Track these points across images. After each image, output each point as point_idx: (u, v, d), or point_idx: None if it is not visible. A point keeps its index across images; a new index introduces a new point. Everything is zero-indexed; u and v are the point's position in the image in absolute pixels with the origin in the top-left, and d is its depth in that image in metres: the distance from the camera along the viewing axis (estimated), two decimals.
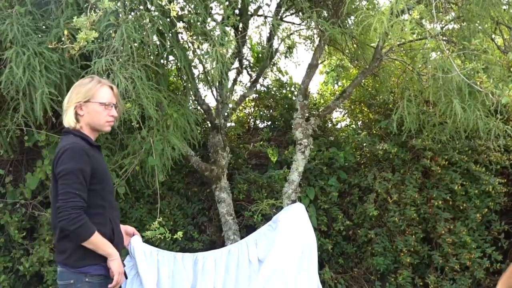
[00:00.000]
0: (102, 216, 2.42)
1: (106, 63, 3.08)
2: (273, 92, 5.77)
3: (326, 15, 4.53)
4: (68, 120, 2.43)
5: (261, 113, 5.81)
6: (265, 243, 3.15)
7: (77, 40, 2.77)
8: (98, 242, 2.34)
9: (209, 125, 4.80)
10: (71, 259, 2.36)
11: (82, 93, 2.43)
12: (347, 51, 5.26)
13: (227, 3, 3.67)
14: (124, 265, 2.55)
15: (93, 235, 2.31)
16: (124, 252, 2.77)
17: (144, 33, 3.28)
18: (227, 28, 3.74)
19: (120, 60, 3.15)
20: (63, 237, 2.35)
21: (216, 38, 3.37)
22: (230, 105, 4.98)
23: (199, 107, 4.63)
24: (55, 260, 2.45)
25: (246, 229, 4.84)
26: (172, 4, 2.93)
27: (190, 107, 4.40)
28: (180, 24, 3.64)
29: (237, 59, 4.96)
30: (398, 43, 4.24)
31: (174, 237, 3.87)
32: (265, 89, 5.76)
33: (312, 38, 5.21)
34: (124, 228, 2.72)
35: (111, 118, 2.48)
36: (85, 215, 2.29)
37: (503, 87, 3.04)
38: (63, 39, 2.84)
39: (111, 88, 2.50)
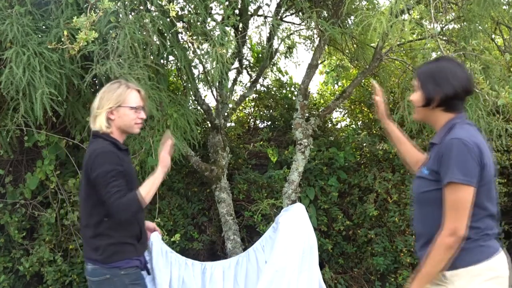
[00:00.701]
0: (128, 220, 2.50)
1: (116, 66, 3.08)
2: (273, 92, 5.77)
3: (326, 15, 4.53)
4: (100, 125, 2.49)
5: (261, 113, 5.81)
6: (270, 246, 3.16)
7: (77, 40, 2.77)
8: (152, 190, 2.45)
9: (209, 125, 4.80)
10: (104, 256, 2.43)
11: (113, 99, 2.50)
12: (347, 51, 5.26)
13: (227, 3, 3.66)
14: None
15: (141, 199, 2.40)
16: None
17: (145, 34, 3.27)
18: (227, 28, 3.73)
19: (126, 61, 3.15)
20: (96, 235, 2.43)
21: (216, 38, 3.37)
22: (230, 105, 4.98)
23: (199, 107, 4.62)
24: (86, 258, 2.51)
25: (246, 229, 4.85)
26: (171, 4, 2.92)
27: (190, 107, 4.40)
28: (180, 24, 3.64)
29: (237, 59, 4.96)
30: (398, 43, 4.24)
31: (172, 239, 3.89)
32: (265, 89, 5.77)
33: (312, 38, 5.21)
34: (146, 224, 2.77)
35: (140, 120, 2.56)
36: (126, 195, 2.37)
37: (500, 88, 3.04)
38: (63, 39, 2.84)
39: (139, 91, 2.58)
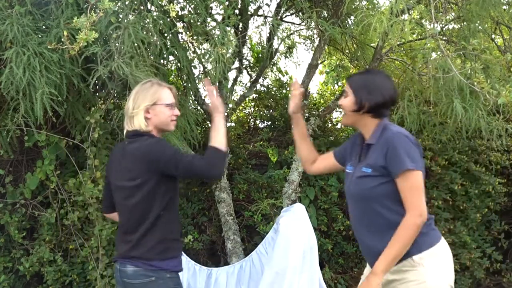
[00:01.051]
0: (176, 214, 2.53)
1: (125, 65, 3.09)
2: (273, 92, 5.77)
3: (326, 15, 4.54)
4: (139, 124, 2.50)
5: (261, 113, 5.81)
6: (272, 247, 3.16)
7: (77, 40, 2.77)
8: (221, 141, 2.44)
9: (209, 125, 4.80)
10: (154, 252, 2.41)
11: (148, 97, 2.52)
12: (347, 51, 5.26)
13: (227, 3, 3.66)
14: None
15: (220, 148, 2.41)
16: None
17: (146, 34, 3.27)
18: (227, 28, 3.73)
19: (132, 61, 3.15)
20: (147, 231, 2.42)
21: (216, 38, 3.37)
22: (230, 105, 4.98)
23: (199, 107, 4.62)
24: (125, 258, 2.46)
25: (246, 229, 4.85)
26: (171, 4, 2.92)
27: (190, 107, 4.40)
28: (180, 24, 3.64)
29: (237, 59, 4.96)
30: (398, 43, 4.24)
31: (186, 241, 3.86)
32: (265, 89, 5.77)
33: (312, 38, 5.21)
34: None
35: (175, 117, 2.58)
36: (202, 157, 2.38)
37: (500, 87, 3.05)
38: (63, 39, 2.84)
39: (170, 89, 2.61)
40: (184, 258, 2.92)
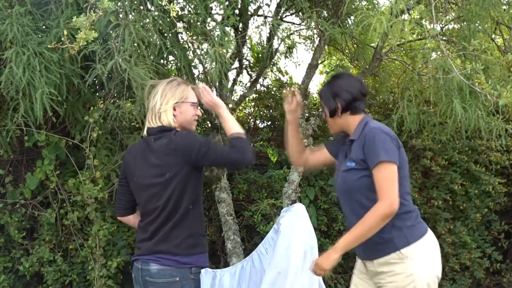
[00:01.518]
0: (202, 209, 2.56)
1: (123, 62, 3.08)
2: (273, 92, 5.77)
3: (326, 15, 4.53)
4: (169, 120, 2.52)
5: (261, 113, 5.81)
6: (272, 248, 3.16)
7: (77, 40, 2.77)
8: (237, 129, 2.49)
9: (209, 125, 4.80)
10: (182, 247, 2.42)
11: (177, 95, 2.55)
12: (347, 51, 5.26)
13: (227, 3, 3.66)
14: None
15: (241, 135, 2.46)
16: None
17: (146, 33, 3.27)
18: (227, 28, 3.73)
19: (132, 59, 3.15)
20: (177, 225, 2.42)
21: (216, 38, 3.37)
22: (230, 105, 4.97)
23: (199, 107, 4.61)
24: (155, 251, 2.43)
25: (246, 229, 4.85)
26: (172, 4, 2.92)
27: None
28: (180, 24, 3.64)
29: (237, 59, 4.95)
30: (398, 43, 4.24)
31: None
32: (265, 89, 5.76)
33: (312, 38, 5.21)
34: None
35: (197, 116, 2.63)
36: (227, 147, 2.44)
37: (501, 88, 3.05)
38: (62, 39, 2.83)
39: (194, 89, 2.65)
40: None
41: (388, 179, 2.32)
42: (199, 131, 4.16)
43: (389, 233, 2.38)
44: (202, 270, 3.03)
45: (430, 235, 2.47)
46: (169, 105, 2.52)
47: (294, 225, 3.11)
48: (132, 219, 2.68)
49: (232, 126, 2.50)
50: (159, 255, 2.42)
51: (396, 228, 2.38)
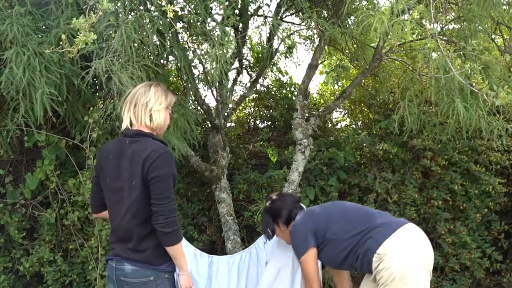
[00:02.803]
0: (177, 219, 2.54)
1: (106, 64, 3.07)
2: (273, 92, 5.77)
3: (326, 15, 4.53)
4: (159, 121, 2.52)
5: (261, 113, 5.81)
6: (271, 244, 3.17)
7: (76, 43, 2.76)
8: (180, 251, 2.45)
9: (209, 125, 4.80)
10: (152, 257, 2.42)
11: (168, 99, 2.57)
12: (347, 51, 5.26)
13: (227, 3, 3.66)
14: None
15: (180, 243, 2.43)
16: None
17: (144, 34, 3.27)
18: (227, 28, 3.73)
19: (120, 60, 3.14)
20: (144, 236, 2.42)
21: (216, 38, 3.37)
22: (230, 105, 4.97)
23: (199, 107, 4.62)
24: (126, 258, 2.46)
25: (246, 229, 4.84)
26: (169, 5, 2.92)
27: (190, 107, 4.39)
28: (179, 24, 3.63)
29: (237, 59, 4.95)
30: (398, 43, 4.23)
31: None
32: (265, 89, 5.76)
33: (312, 38, 5.21)
34: None
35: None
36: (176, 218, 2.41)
37: (498, 88, 3.05)
38: (61, 43, 2.83)
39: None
40: (183, 241, 2.90)
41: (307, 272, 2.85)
42: (199, 131, 4.15)
43: (363, 244, 2.75)
44: (197, 253, 3.03)
45: (402, 230, 2.75)
46: (162, 106, 2.51)
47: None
48: (107, 214, 2.66)
49: (181, 254, 2.47)
50: (131, 261, 2.44)
51: (367, 239, 2.75)
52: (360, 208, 3.00)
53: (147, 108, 2.49)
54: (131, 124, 2.51)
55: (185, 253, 2.66)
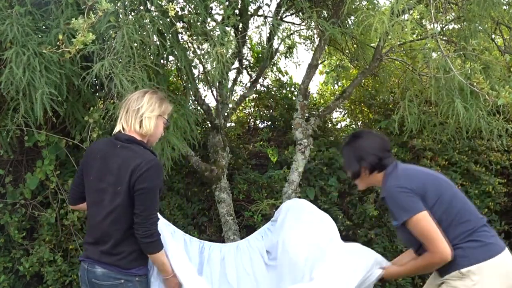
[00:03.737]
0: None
1: (108, 65, 3.07)
2: (273, 92, 5.77)
3: (326, 15, 4.53)
4: (149, 128, 2.49)
5: (261, 113, 5.81)
6: (270, 238, 3.12)
7: (74, 43, 2.76)
8: (161, 259, 2.45)
9: (209, 125, 4.80)
10: (124, 261, 2.42)
11: (162, 107, 2.54)
12: (347, 51, 5.26)
13: (227, 3, 3.66)
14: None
15: (161, 251, 2.44)
16: None
17: (145, 34, 3.26)
18: (227, 28, 3.73)
19: (121, 61, 3.14)
20: (121, 241, 2.42)
21: (216, 38, 3.36)
22: (230, 105, 4.97)
23: (199, 107, 4.62)
24: (95, 261, 2.47)
25: (246, 229, 4.84)
26: (170, 4, 2.91)
27: (190, 107, 4.39)
28: (180, 24, 3.63)
29: (237, 59, 4.95)
30: (399, 43, 4.24)
31: None
32: (265, 89, 5.76)
33: (312, 38, 5.21)
34: None
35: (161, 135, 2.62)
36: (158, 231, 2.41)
37: (500, 88, 3.05)
38: (58, 43, 2.83)
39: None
40: (172, 227, 2.87)
41: (422, 233, 2.37)
42: (199, 131, 4.15)
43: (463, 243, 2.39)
44: (186, 237, 2.98)
45: (499, 259, 2.38)
46: (154, 114, 2.49)
47: (295, 210, 3.11)
48: (84, 206, 2.65)
49: (166, 262, 2.48)
50: (102, 264, 2.44)
51: (458, 248, 2.38)
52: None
53: (138, 114, 2.48)
54: (123, 129, 2.51)
55: (176, 238, 2.67)
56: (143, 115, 2.48)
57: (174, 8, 2.91)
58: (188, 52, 3.89)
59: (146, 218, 2.36)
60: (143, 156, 2.40)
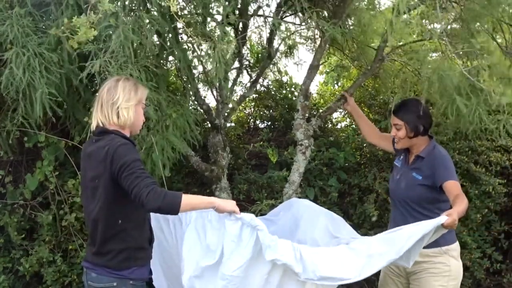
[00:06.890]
0: (140, 222, 2.48)
1: (102, 64, 3.06)
2: (273, 92, 5.76)
3: (326, 15, 4.52)
4: (127, 118, 2.45)
5: (261, 113, 5.80)
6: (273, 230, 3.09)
7: (75, 37, 2.75)
8: (191, 203, 2.36)
9: (209, 125, 4.79)
10: (115, 261, 2.39)
11: (138, 94, 2.50)
12: (347, 51, 5.24)
13: (227, 3, 3.65)
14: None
15: (183, 197, 2.31)
16: None
17: (143, 34, 3.25)
18: (227, 28, 3.72)
19: (118, 61, 3.12)
20: (107, 239, 2.39)
21: (216, 38, 3.36)
22: (230, 105, 4.96)
23: (199, 108, 4.61)
24: (91, 263, 2.46)
25: None
26: (171, 0, 2.90)
27: (190, 107, 4.39)
28: (179, 24, 3.62)
29: (237, 59, 4.94)
30: (400, 43, 4.23)
31: None
32: (265, 89, 5.75)
33: (313, 39, 5.19)
34: None
35: (143, 121, 2.60)
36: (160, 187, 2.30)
37: (505, 86, 3.05)
38: (62, 27, 2.81)
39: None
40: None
41: (460, 190, 3.00)
42: (199, 131, 4.15)
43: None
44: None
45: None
46: (131, 103, 2.46)
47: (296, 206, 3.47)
48: None
49: (192, 198, 2.42)
50: (95, 266, 2.44)
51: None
52: None
53: (114, 106, 2.45)
54: (102, 124, 2.48)
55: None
56: (119, 107, 2.44)
57: (178, 3, 2.88)
58: (188, 52, 3.88)
59: (138, 185, 2.25)
60: (111, 143, 2.36)
